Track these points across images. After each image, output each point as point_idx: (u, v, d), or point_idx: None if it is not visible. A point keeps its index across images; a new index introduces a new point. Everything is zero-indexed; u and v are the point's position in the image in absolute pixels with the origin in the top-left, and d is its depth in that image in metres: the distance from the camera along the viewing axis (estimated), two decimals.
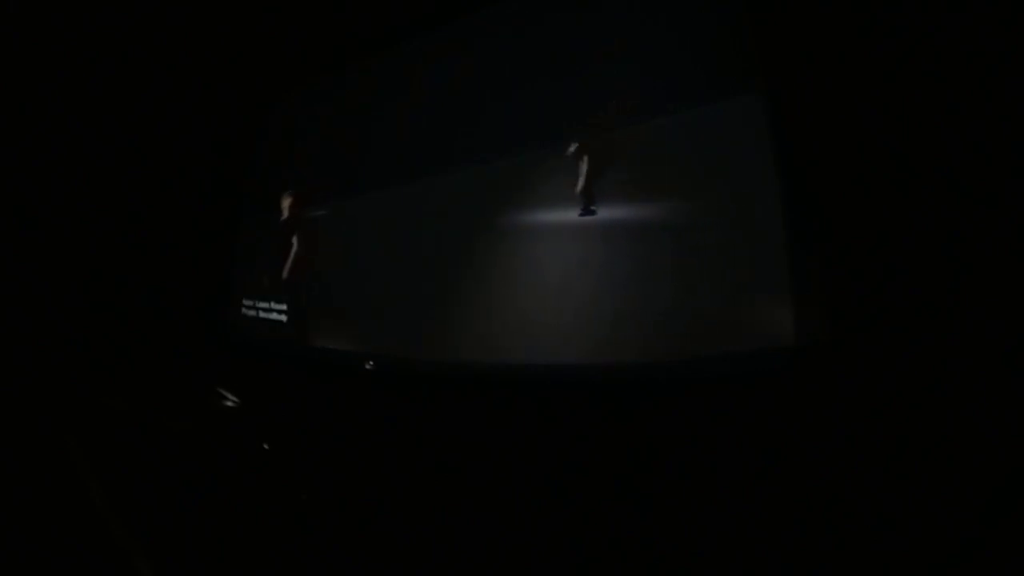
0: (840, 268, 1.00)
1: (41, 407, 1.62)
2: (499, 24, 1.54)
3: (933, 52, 0.95)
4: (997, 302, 0.88)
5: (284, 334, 1.92)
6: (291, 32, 1.91)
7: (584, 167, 1.33)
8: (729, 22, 1.16)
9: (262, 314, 2.00)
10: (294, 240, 1.98)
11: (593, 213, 1.30)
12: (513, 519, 1.20)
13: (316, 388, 1.69)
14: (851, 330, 0.97)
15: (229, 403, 1.69)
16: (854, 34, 1.02)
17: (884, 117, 0.98)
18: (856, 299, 0.98)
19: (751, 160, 1.11)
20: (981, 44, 0.92)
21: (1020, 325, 0.86)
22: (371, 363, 1.64)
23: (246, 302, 2.06)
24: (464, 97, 1.58)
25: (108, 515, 1.35)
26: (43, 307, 1.88)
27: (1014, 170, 0.89)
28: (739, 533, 0.99)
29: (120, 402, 1.70)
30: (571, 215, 1.33)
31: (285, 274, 1.98)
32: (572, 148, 1.35)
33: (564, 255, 1.33)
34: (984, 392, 0.87)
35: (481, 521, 1.22)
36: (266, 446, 1.54)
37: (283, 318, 1.94)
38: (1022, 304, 0.87)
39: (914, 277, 0.94)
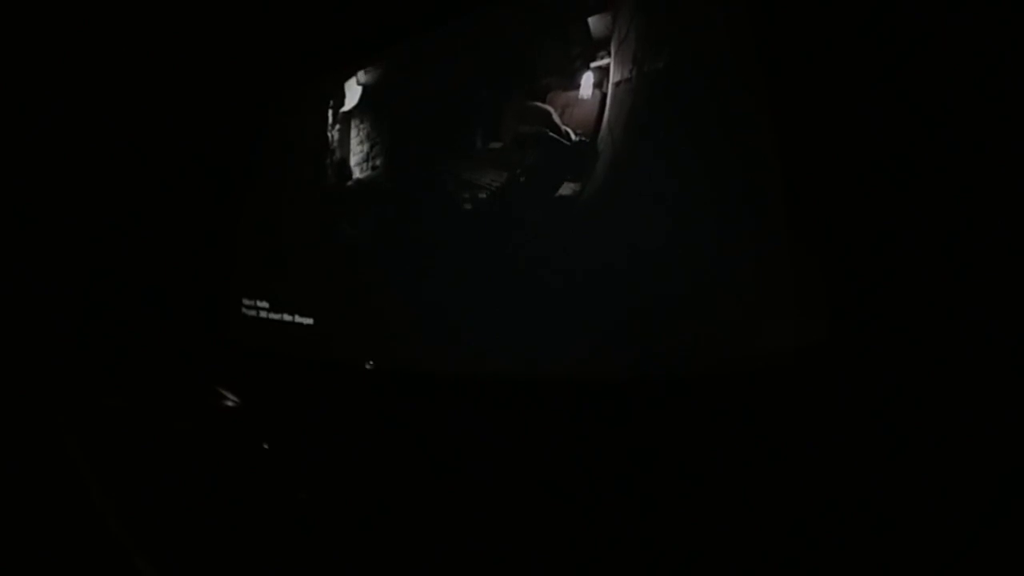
0: (840, 268, 1.00)
1: (41, 407, 1.62)
2: (499, 24, 1.54)
3: (933, 52, 0.95)
4: (997, 302, 0.88)
5: (285, 334, 1.92)
6: (291, 32, 1.91)
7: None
8: (729, 22, 1.16)
9: (262, 314, 2.00)
10: (294, 239, 1.98)
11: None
12: (513, 519, 1.20)
13: (316, 388, 1.69)
14: (851, 330, 0.97)
15: (229, 403, 1.69)
16: (854, 34, 1.02)
17: (884, 117, 0.98)
18: (856, 299, 0.98)
19: (751, 160, 1.11)
20: (981, 44, 0.92)
21: (1020, 325, 0.86)
22: (371, 363, 1.64)
23: (246, 302, 2.06)
24: (465, 96, 1.58)
25: (108, 515, 1.35)
26: (43, 307, 1.88)
27: (1014, 170, 0.89)
28: (739, 533, 0.99)
29: (120, 402, 1.70)
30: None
31: (285, 274, 1.98)
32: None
33: (563, 253, 1.33)
34: (984, 392, 0.87)
35: (481, 521, 1.22)
36: (266, 446, 1.54)
37: (284, 318, 1.94)
38: (1022, 304, 0.87)
39: (914, 277, 0.94)
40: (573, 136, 1.34)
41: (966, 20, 0.92)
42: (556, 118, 1.38)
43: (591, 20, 1.34)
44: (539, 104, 1.41)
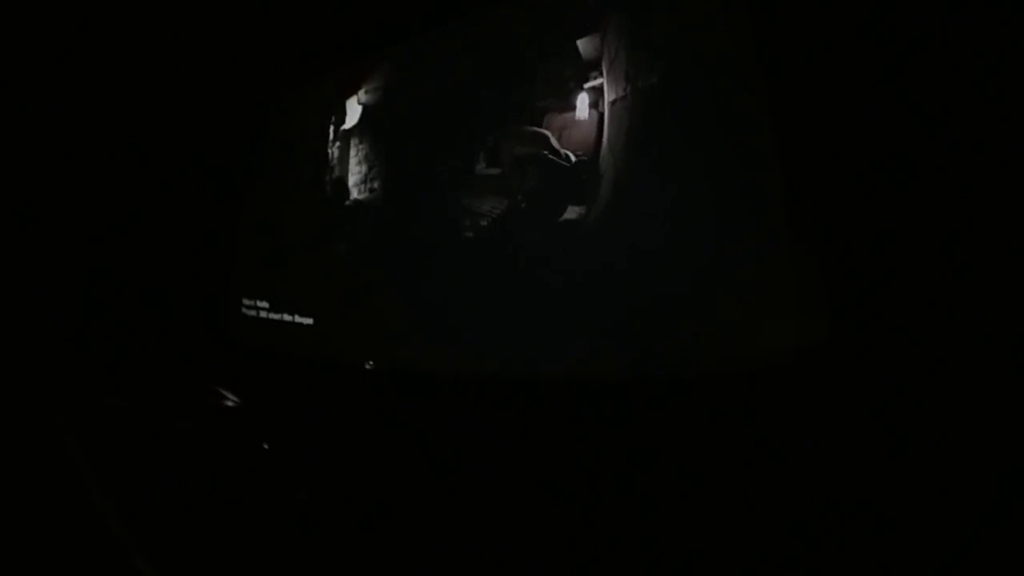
0: (840, 268, 1.00)
1: (41, 407, 1.62)
2: (500, 23, 1.54)
3: (933, 52, 0.95)
4: (997, 302, 0.88)
5: (285, 334, 1.92)
6: (291, 32, 1.91)
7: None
8: (729, 22, 1.15)
9: (262, 314, 2.00)
10: (294, 239, 1.98)
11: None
12: (513, 519, 1.20)
13: (316, 388, 1.69)
14: (851, 330, 0.97)
15: (229, 403, 1.69)
16: (854, 34, 1.02)
17: (884, 117, 0.98)
18: (856, 299, 0.98)
19: (751, 160, 1.11)
20: (981, 44, 0.92)
21: (1020, 325, 0.86)
22: (371, 363, 1.64)
23: (246, 302, 2.06)
24: (465, 96, 1.58)
25: (108, 515, 1.35)
26: (43, 307, 1.88)
27: (1014, 170, 0.89)
28: (739, 533, 0.99)
29: (120, 402, 1.70)
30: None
31: (285, 274, 1.98)
32: (572, 156, 1.35)
33: (563, 254, 1.33)
34: (984, 392, 0.87)
35: (481, 521, 1.22)
36: (266, 446, 1.54)
37: (284, 318, 1.94)
38: (1022, 304, 0.87)
39: (914, 277, 0.94)
40: (572, 157, 1.35)
41: (966, 20, 0.92)
42: (554, 141, 1.38)
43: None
44: (537, 129, 1.41)
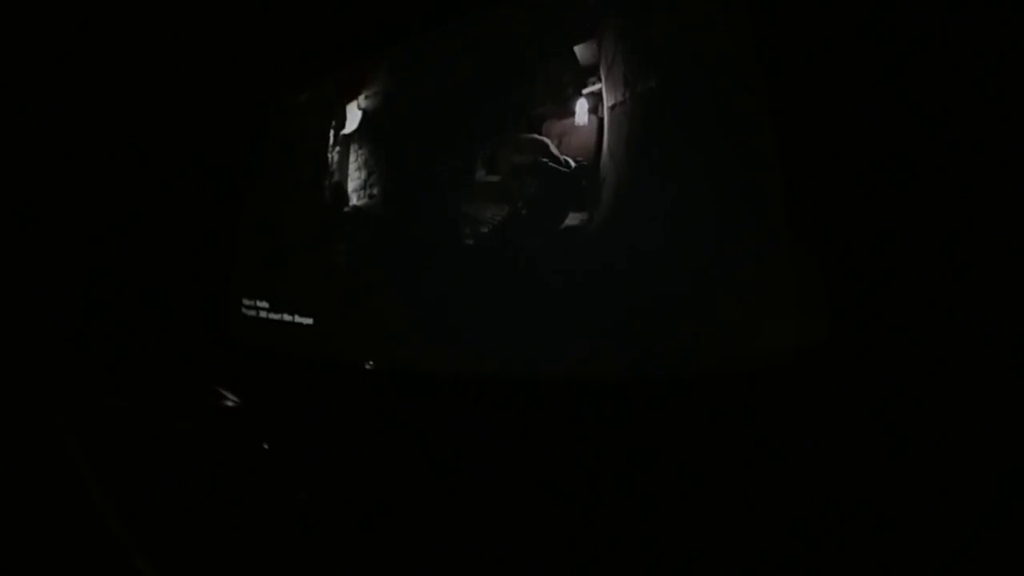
0: (840, 268, 1.00)
1: (41, 407, 1.62)
2: (500, 22, 1.54)
3: (933, 52, 0.95)
4: (997, 302, 0.88)
5: (285, 334, 1.92)
6: (291, 32, 1.91)
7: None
8: (729, 22, 1.15)
9: (262, 314, 2.00)
10: (294, 239, 1.98)
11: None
12: (513, 519, 1.20)
13: (316, 388, 1.69)
14: (851, 330, 0.97)
15: (229, 403, 1.69)
16: (854, 34, 1.02)
17: (884, 117, 0.98)
18: (856, 299, 0.98)
19: (751, 160, 1.11)
20: (981, 44, 0.92)
21: (1020, 325, 0.86)
22: (371, 363, 1.64)
23: (246, 302, 2.06)
24: (465, 96, 1.58)
25: (108, 515, 1.35)
26: (43, 307, 1.88)
27: (1014, 170, 0.89)
28: (739, 533, 0.99)
29: (120, 402, 1.70)
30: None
31: (285, 274, 1.98)
32: (572, 161, 1.35)
33: (563, 254, 1.33)
34: (984, 392, 0.87)
35: (481, 521, 1.22)
36: (266, 446, 1.54)
37: (284, 318, 1.94)
38: (1022, 304, 0.87)
39: (914, 277, 0.94)
40: (572, 162, 1.35)
41: (966, 20, 0.92)
42: (553, 148, 1.38)
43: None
44: (537, 136, 1.41)
